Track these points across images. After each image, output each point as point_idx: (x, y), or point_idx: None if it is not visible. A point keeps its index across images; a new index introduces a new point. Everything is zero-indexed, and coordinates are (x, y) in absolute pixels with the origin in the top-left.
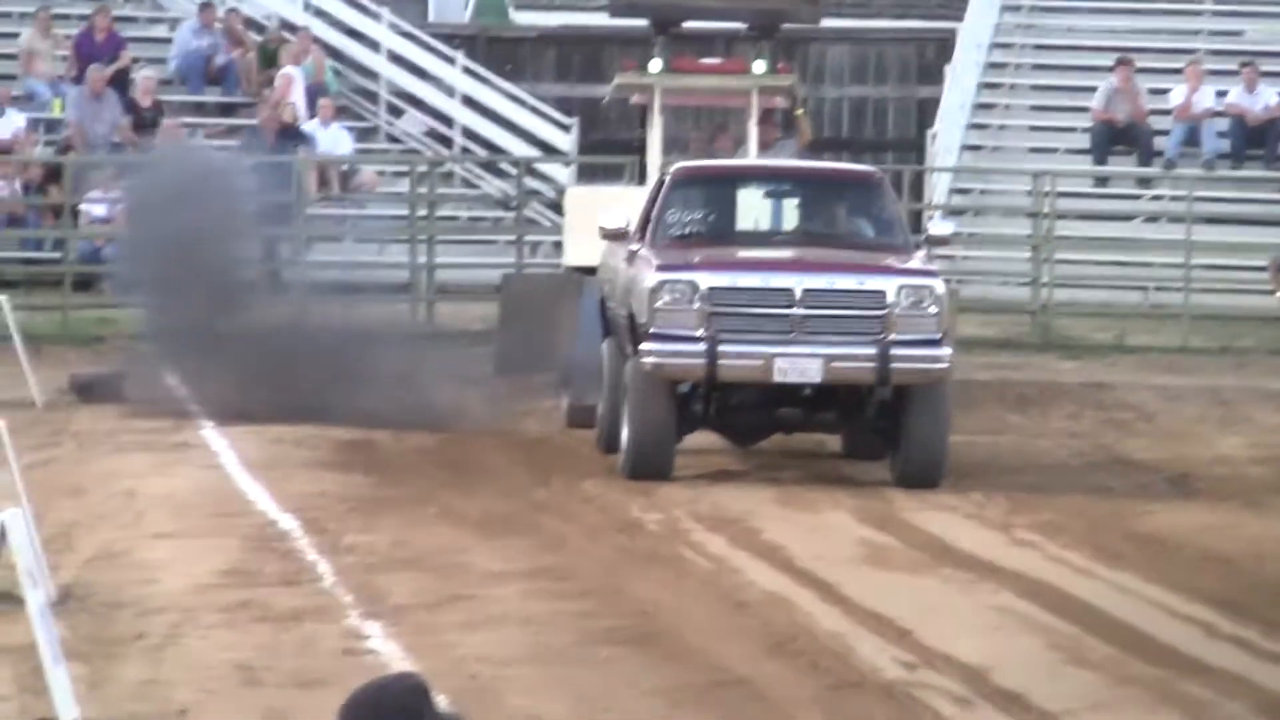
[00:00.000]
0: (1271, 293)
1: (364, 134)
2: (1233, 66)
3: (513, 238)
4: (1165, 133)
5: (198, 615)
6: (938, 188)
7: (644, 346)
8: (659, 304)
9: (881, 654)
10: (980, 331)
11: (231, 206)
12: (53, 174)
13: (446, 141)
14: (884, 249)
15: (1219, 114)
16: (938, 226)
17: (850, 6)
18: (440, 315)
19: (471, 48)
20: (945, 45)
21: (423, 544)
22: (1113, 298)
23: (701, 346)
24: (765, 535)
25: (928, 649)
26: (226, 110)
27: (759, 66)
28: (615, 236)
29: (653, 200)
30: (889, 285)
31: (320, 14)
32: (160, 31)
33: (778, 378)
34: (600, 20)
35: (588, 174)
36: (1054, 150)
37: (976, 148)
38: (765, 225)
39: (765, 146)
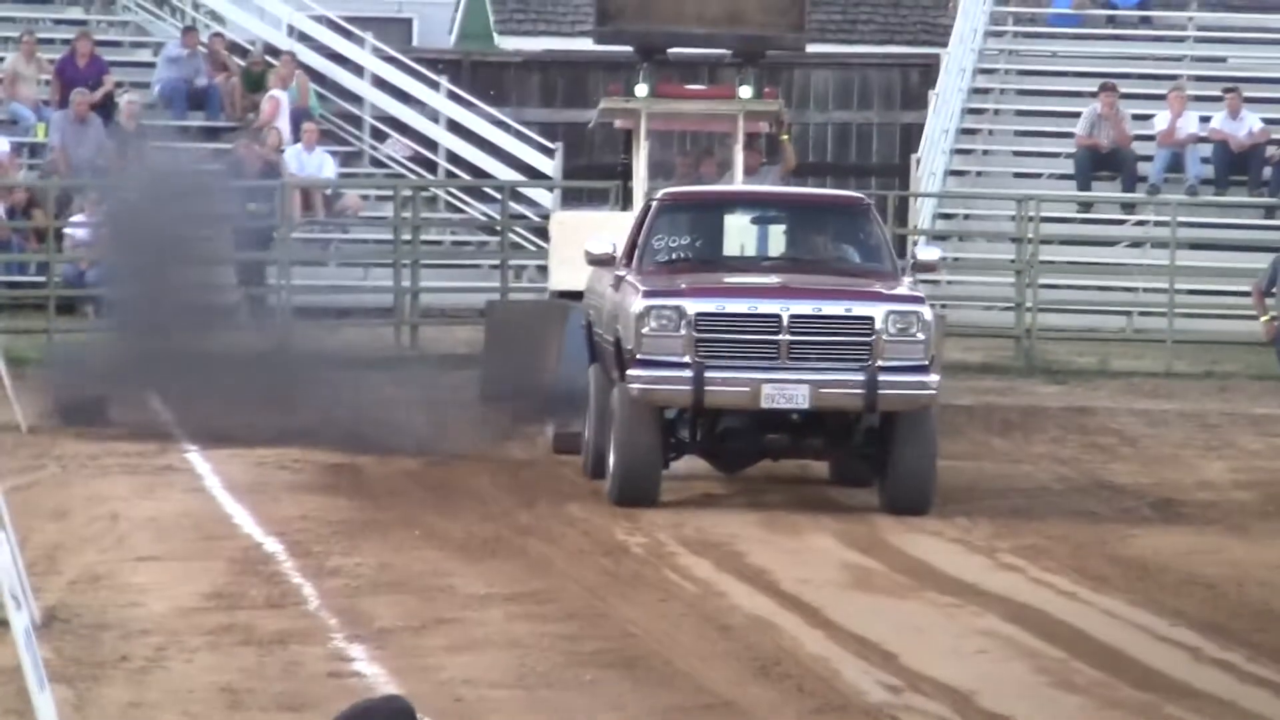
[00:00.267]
0: (1256, 318)
1: (348, 158)
2: (1216, 92)
3: (497, 262)
4: (1149, 158)
5: (182, 638)
6: (922, 213)
7: (631, 372)
8: (645, 330)
9: (866, 677)
10: (964, 356)
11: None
12: (37, 198)
13: (431, 166)
14: (871, 275)
15: (1203, 140)
16: (925, 252)
17: (834, 32)
18: (424, 339)
19: (456, 72)
20: (929, 70)
21: (407, 567)
22: (1097, 322)
23: (688, 373)
24: (750, 559)
25: (913, 673)
26: (210, 134)
27: (745, 92)
28: (601, 262)
29: (639, 226)
30: (877, 311)
31: (304, 38)
32: (144, 56)
33: (765, 404)
34: (584, 45)
35: (572, 199)
36: (1038, 175)
37: (961, 173)
38: (752, 251)
39: (750, 172)
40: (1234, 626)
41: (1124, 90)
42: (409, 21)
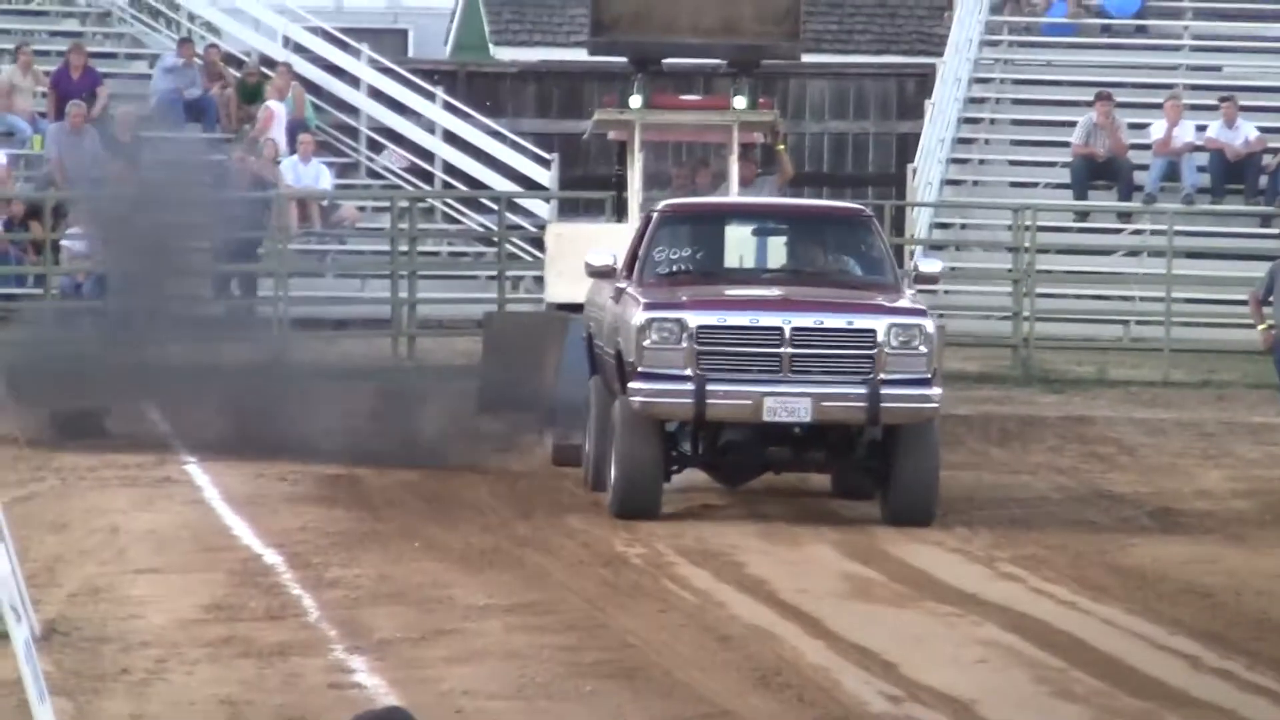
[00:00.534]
0: (1253, 326)
1: (345, 169)
2: (1212, 101)
3: (494, 273)
4: (1145, 167)
5: (182, 650)
6: (919, 223)
7: (632, 385)
8: (647, 342)
9: (867, 687)
10: (962, 366)
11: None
12: (33, 210)
13: (427, 177)
14: (873, 287)
15: (1199, 148)
16: (927, 265)
17: (830, 42)
18: (421, 350)
19: (452, 83)
20: (925, 80)
21: (407, 578)
22: (1094, 331)
23: (690, 385)
24: (749, 569)
25: (913, 682)
26: (207, 146)
27: (740, 102)
28: (602, 274)
29: (640, 238)
30: (879, 324)
31: (300, 49)
32: (140, 68)
33: (767, 417)
34: (580, 56)
35: (568, 209)
36: (1034, 185)
37: (957, 182)
38: (754, 263)
39: (745, 183)
40: (1232, 635)
41: (1120, 99)
42: (405, 32)
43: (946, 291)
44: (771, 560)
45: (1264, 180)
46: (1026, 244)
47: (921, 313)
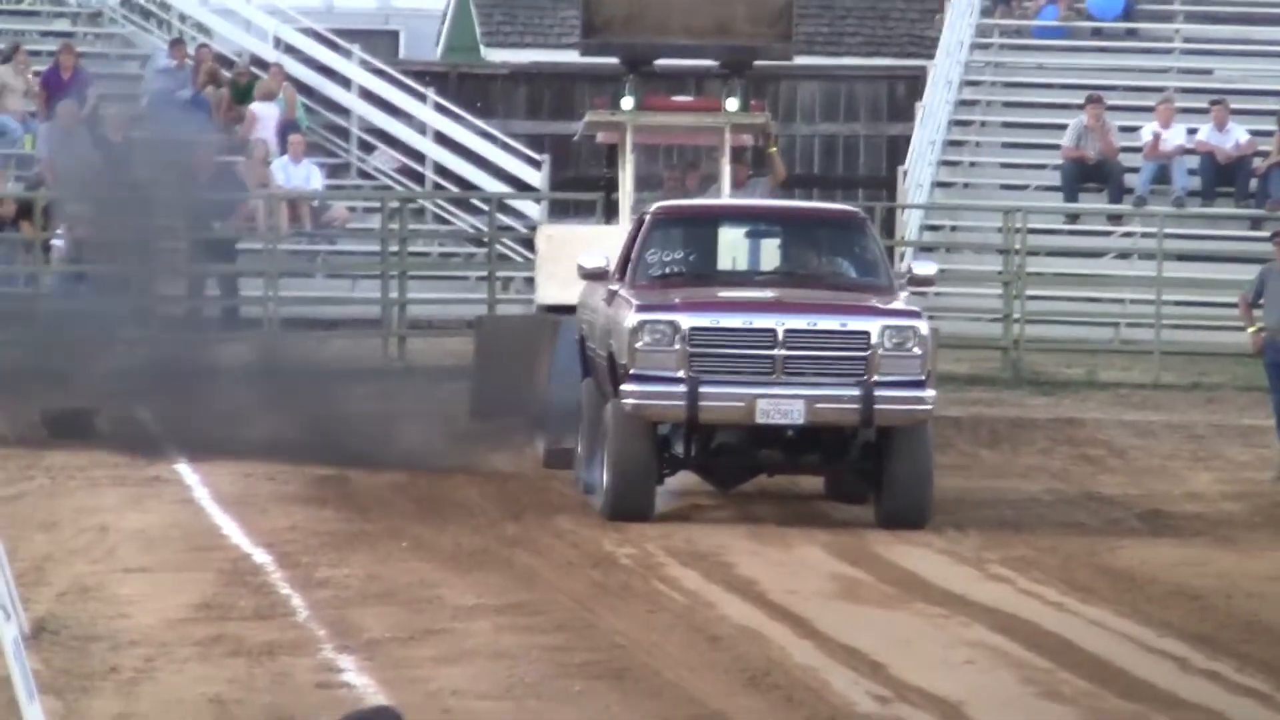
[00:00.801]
0: (1243, 329)
1: (335, 170)
2: (1203, 104)
3: (484, 274)
4: (1136, 170)
5: (171, 649)
6: (909, 225)
7: (624, 387)
8: (639, 344)
9: (855, 688)
10: (952, 368)
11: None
12: (24, 210)
13: (418, 178)
14: (867, 289)
15: (1189, 151)
16: (921, 267)
17: (821, 45)
18: (412, 351)
19: (443, 84)
20: (916, 82)
21: (396, 578)
22: (1084, 334)
23: (682, 388)
24: (739, 570)
25: (901, 683)
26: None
27: (732, 104)
28: (594, 276)
29: (632, 240)
30: (873, 326)
31: (291, 50)
32: (131, 68)
33: (760, 419)
34: (571, 57)
35: (559, 210)
36: (1025, 187)
37: (947, 184)
38: (747, 265)
39: (737, 185)
40: (1221, 637)
41: (1110, 102)
42: (396, 34)
43: (937, 293)
44: (761, 561)
45: (1254, 183)
46: (1017, 246)
47: (916, 314)
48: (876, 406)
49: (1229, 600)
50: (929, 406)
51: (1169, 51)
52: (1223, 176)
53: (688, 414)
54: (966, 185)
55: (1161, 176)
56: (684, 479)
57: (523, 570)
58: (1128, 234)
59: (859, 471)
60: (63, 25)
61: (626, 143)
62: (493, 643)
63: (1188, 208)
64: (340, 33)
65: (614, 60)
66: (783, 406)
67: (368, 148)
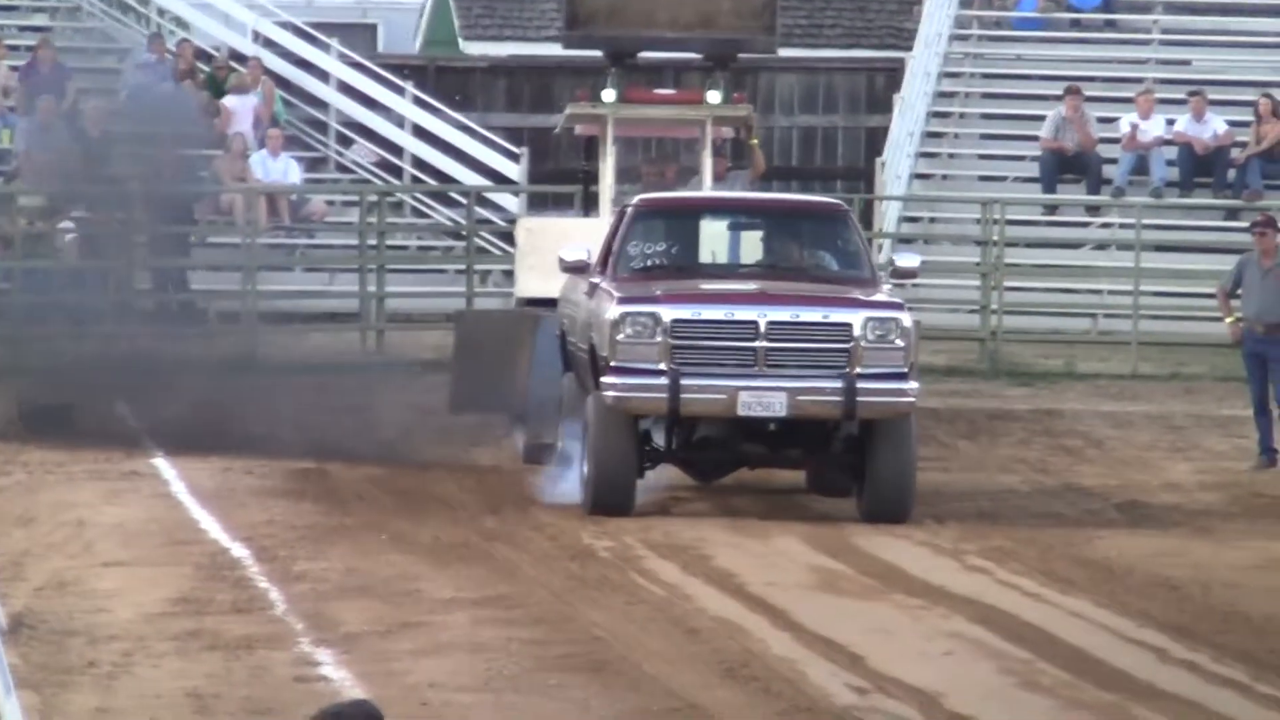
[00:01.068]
0: (1220, 319)
1: (314, 164)
2: (1181, 96)
3: (463, 267)
4: (1114, 161)
5: (149, 644)
6: (887, 216)
7: (605, 380)
8: (620, 337)
9: (833, 679)
10: (930, 359)
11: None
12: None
13: (396, 171)
14: (849, 281)
15: (1168, 143)
16: (905, 260)
17: (800, 36)
18: (390, 344)
19: (421, 78)
20: (894, 74)
21: (374, 572)
22: (1062, 325)
23: (664, 380)
24: (717, 562)
25: (879, 674)
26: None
27: (714, 96)
28: (575, 269)
29: (614, 232)
30: (855, 318)
31: (270, 44)
32: (109, 62)
33: (742, 411)
34: (550, 50)
35: (538, 203)
36: (1003, 178)
37: (926, 176)
38: (729, 258)
39: (717, 178)
40: (1199, 627)
41: (1089, 93)
42: (374, 27)
43: (915, 284)
44: (740, 553)
45: (1232, 174)
46: (995, 237)
47: (898, 306)
48: (859, 399)
49: (1207, 590)
50: (912, 399)
51: (1147, 43)
52: (1201, 167)
53: (669, 406)
54: (945, 177)
55: (1140, 167)
56: (661, 471)
57: (501, 563)
58: (1106, 225)
59: (842, 465)
60: (41, 19)
61: (608, 135)
62: (471, 636)
63: (1166, 198)
64: (318, 26)
65: (596, 53)
66: (765, 399)
67: (346, 141)
